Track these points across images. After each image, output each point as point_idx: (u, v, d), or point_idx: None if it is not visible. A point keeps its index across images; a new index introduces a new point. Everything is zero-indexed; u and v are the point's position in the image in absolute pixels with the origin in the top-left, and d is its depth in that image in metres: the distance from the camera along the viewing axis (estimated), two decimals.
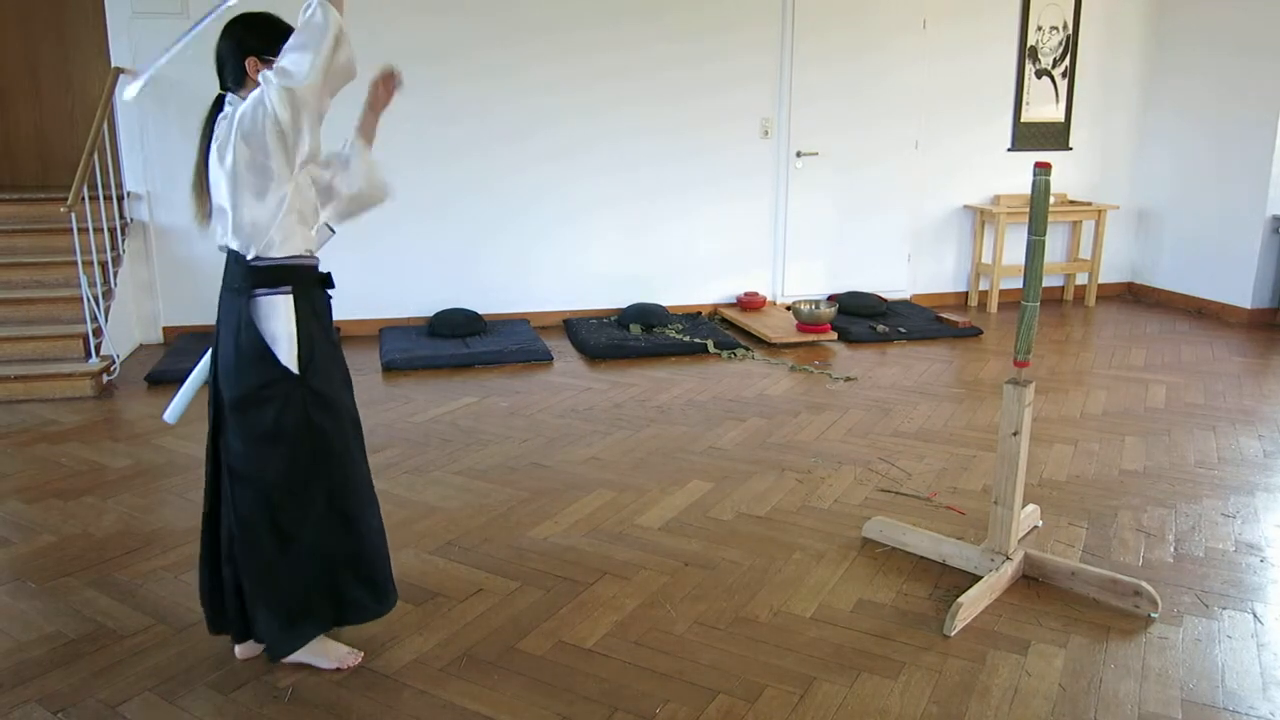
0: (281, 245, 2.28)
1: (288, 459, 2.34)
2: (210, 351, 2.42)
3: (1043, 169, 2.66)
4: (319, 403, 2.35)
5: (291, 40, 2.17)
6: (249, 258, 2.28)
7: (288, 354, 2.29)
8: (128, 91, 2.55)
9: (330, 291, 2.45)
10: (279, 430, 2.32)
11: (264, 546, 2.37)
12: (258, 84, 2.16)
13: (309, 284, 2.36)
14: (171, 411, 2.65)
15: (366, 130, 2.57)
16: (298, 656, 2.49)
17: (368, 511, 2.51)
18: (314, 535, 2.41)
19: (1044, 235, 2.75)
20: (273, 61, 2.16)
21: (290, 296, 2.30)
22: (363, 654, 2.57)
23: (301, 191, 2.31)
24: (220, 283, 2.38)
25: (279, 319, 2.29)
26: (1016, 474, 2.84)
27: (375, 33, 5.91)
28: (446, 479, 3.82)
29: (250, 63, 2.26)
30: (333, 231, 2.53)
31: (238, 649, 2.55)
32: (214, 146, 2.24)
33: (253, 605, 2.41)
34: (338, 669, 2.51)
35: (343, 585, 2.49)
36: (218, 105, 2.31)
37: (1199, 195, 7.09)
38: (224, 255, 2.35)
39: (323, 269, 2.44)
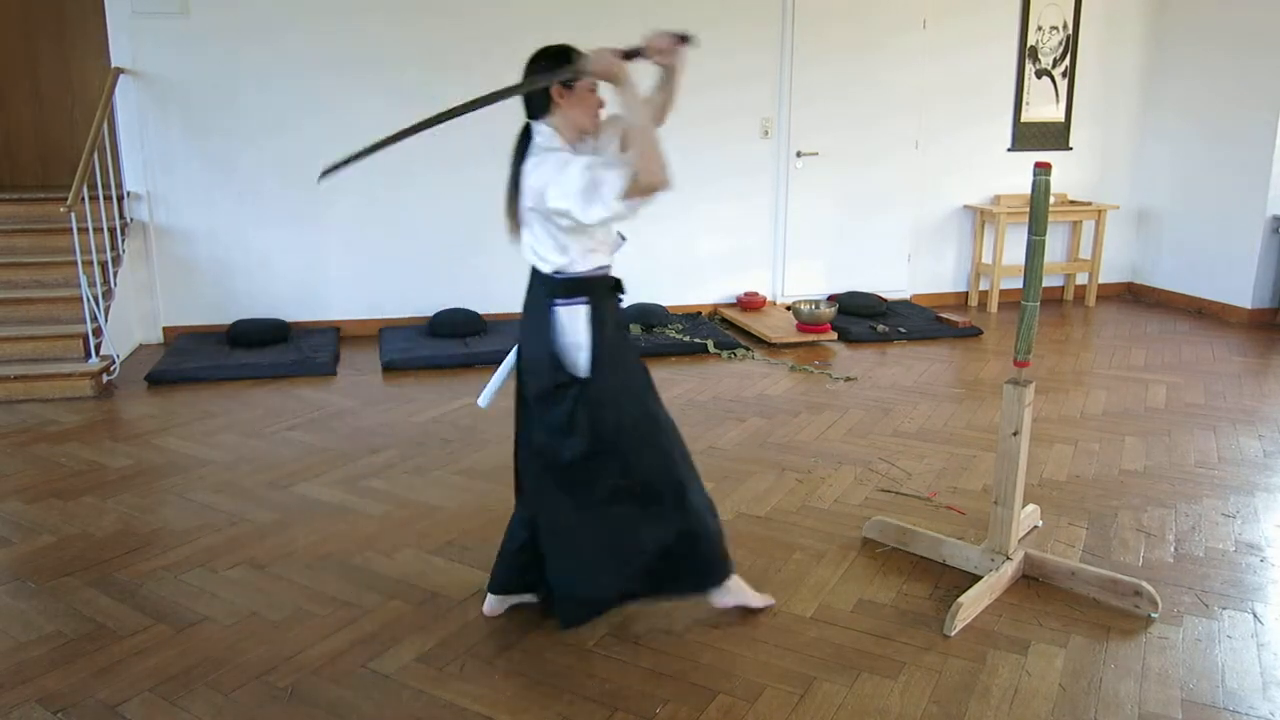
0: (579, 265, 2.47)
1: (579, 450, 2.49)
2: (516, 349, 2.64)
3: (1043, 169, 2.66)
4: (606, 401, 2.50)
5: (606, 169, 2.34)
6: (548, 273, 2.48)
7: (580, 360, 2.48)
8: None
9: (622, 296, 2.64)
10: (572, 425, 2.49)
11: (560, 525, 2.56)
12: (561, 106, 2.43)
13: (602, 294, 2.53)
14: (484, 396, 2.81)
15: (659, 108, 2.59)
16: (731, 600, 2.73)
17: (651, 510, 2.56)
18: (600, 520, 2.54)
19: (1044, 235, 2.75)
20: (574, 88, 2.42)
21: (587, 307, 2.49)
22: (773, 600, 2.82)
23: (594, 233, 2.47)
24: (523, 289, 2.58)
25: (574, 328, 2.48)
26: (1016, 474, 2.84)
27: (371, 34, 5.91)
28: (446, 479, 3.82)
29: (555, 90, 2.44)
30: (623, 239, 2.64)
31: (491, 601, 2.76)
32: (525, 185, 2.42)
33: (552, 575, 2.60)
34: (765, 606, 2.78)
35: (633, 573, 2.58)
36: (525, 132, 2.50)
37: (1199, 195, 7.09)
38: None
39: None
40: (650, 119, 2.42)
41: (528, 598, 2.80)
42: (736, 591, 2.76)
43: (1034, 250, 2.74)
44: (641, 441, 2.56)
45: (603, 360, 2.49)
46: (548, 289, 2.50)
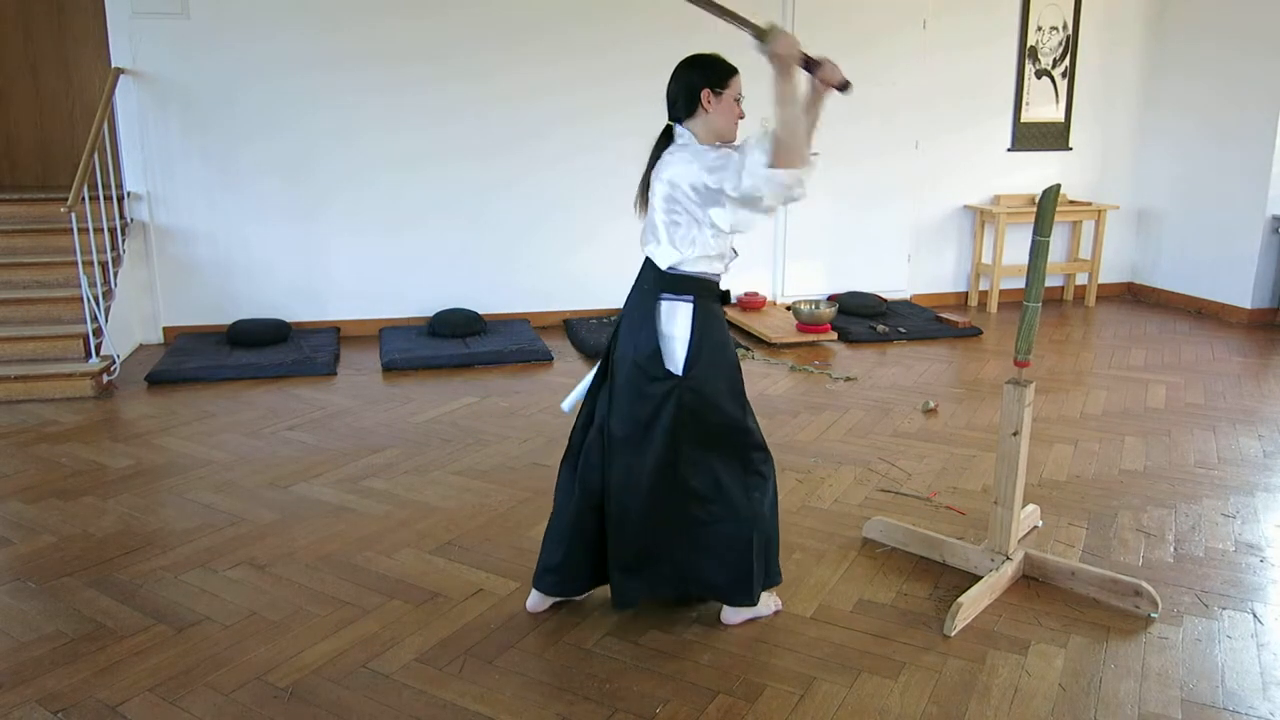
0: (691, 266, 2.56)
1: (659, 445, 2.55)
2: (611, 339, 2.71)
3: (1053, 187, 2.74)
4: (695, 404, 2.55)
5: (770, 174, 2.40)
6: (663, 268, 2.56)
7: (677, 356, 2.54)
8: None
9: (727, 306, 2.76)
10: (655, 418, 2.54)
11: (629, 514, 2.59)
12: (707, 111, 2.53)
13: (708, 297, 2.60)
14: (569, 401, 2.85)
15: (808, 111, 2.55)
16: (742, 618, 2.72)
17: (700, 514, 2.60)
18: (664, 515, 2.60)
19: (1049, 236, 2.75)
20: (721, 95, 2.53)
21: (691, 305, 2.56)
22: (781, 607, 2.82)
23: (715, 239, 2.57)
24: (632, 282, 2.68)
25: (676, 323, 2.55)
26: (1016, 474, 2.84)
27: (372, 33, 5.91)
28: (446, 479, 3.82)
29: (705, 95, 2.54)
30: (735, 254, 2.70)
31: (535, 599, 2.78)
32: (662, 175, 2.52)
33: (611, 565, 2.63)
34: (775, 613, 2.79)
35: (679, 563, 2.64)
36: (666, 133, 2.61)
37: (1199, 195, 7.09)
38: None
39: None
40: (802, 111, 2.44)
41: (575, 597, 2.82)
42: (748, 610, 2.75)
43: (1038, 251, 2.75)
44: (700, 461, 2.59)
45: (699, 360, 2.54)
46: (657, 283, 2.57)
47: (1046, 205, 2.70)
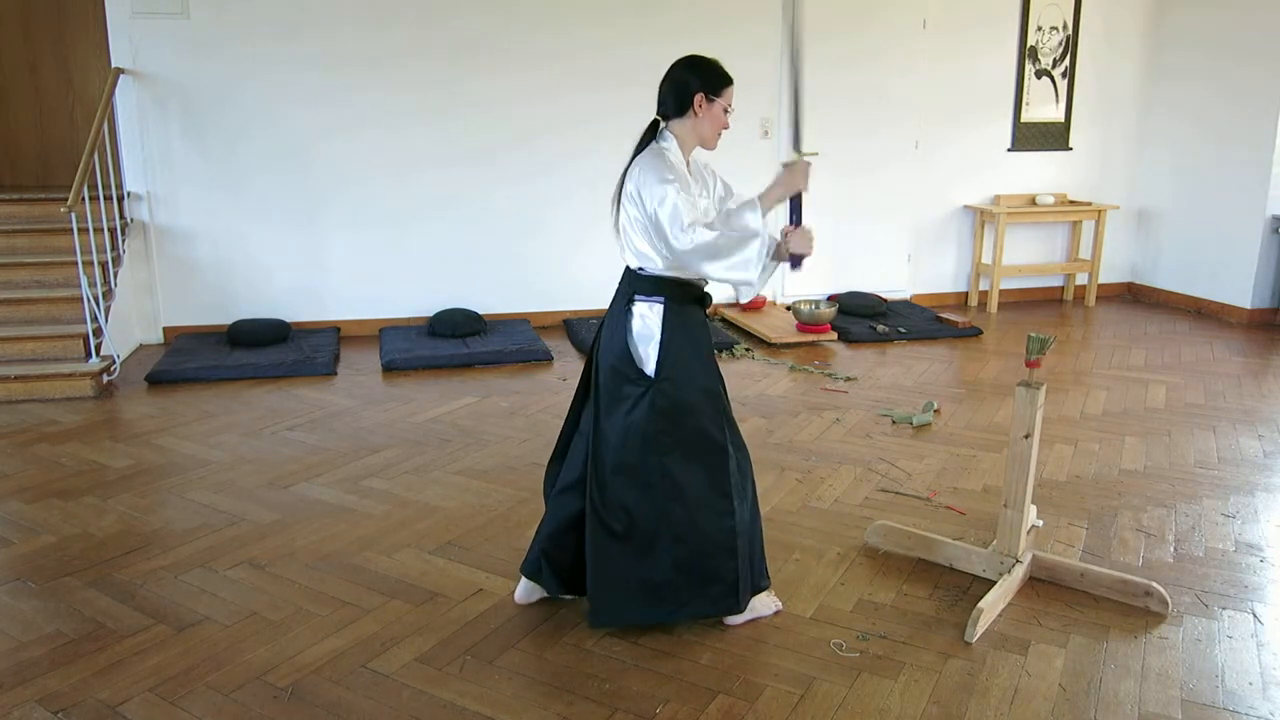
0: (663, 268, 2.56)
1: (632, 448, 2.54)
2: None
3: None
4: (668, 406, 2.53)
5: (716, 240, 2.45)
6: (634, 268, 2.60)
7: (649, 358, 2.54)
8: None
9: (707, 309, 2.71)
10: (629, 420, 2.54)
11: (615, 529, 2.57)
12: (697, 115, 2.54)
13: (682, 299, 2.59)
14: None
15: (767, 199, 2.66)
16: (743, 619, 2.70)
17: (682, 518, 2.56)
18: (646, 520, 2.58)
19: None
20: (714, 101, 2.56)
21: (662, 306, 2.56)
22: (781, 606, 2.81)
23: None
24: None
25: (648, 325, 2.56)
26: (1028, 477, 2.82)
27: (372, 33, 5.91)
28: (446, 479, 3.82)
29: (698, 99, 2.55)
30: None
31: (522, 590, 2.79)
32: (630, 176, 2.54)
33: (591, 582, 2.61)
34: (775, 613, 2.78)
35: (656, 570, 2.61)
36: (652, 128, 2.61)
37: (1199, 195, 7.09)
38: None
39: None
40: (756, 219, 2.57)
41: (566, 597, 2.82)
42: (748, 610, 2.73)
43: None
44: (681, 464, 2.56)
45: (672, 363, 2.53)
46: (630, 284, 2.60)
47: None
